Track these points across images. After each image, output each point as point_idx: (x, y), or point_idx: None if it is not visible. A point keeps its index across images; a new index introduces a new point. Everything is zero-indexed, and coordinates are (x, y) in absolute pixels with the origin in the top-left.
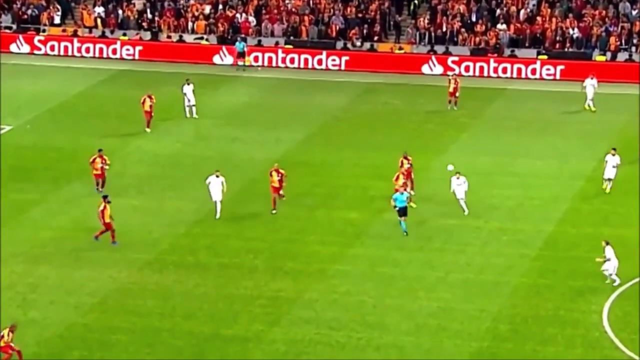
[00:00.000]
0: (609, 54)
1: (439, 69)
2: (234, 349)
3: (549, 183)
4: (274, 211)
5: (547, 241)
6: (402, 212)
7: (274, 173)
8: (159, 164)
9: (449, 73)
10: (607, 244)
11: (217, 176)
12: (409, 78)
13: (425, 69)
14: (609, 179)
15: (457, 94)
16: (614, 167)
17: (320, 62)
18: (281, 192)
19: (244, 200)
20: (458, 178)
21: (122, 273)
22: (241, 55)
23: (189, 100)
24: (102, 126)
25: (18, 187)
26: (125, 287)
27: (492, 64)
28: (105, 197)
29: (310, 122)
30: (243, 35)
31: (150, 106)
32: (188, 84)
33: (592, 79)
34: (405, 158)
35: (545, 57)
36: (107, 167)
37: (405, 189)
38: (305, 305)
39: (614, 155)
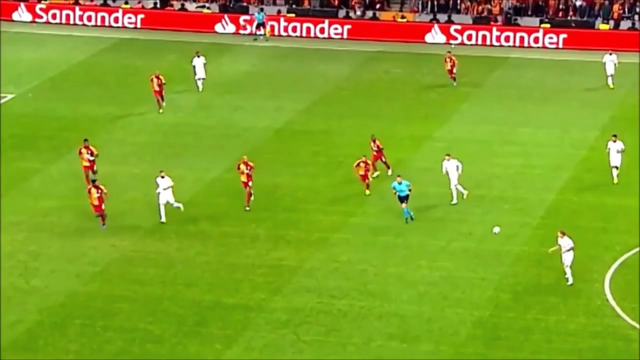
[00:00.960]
0: (612, 22)
1: (441, 38)
2: (236, 317)
3: (550, 152)
4: (247, 208)
5: (548, 210)
6: (403, 199)
7: (242, 166)
8: (161, 132)
9: (451, 42)
10: (563, 234)
11: (162, 177)
12: (411, 47)
13: (428, 37)
14: (615, 167)
15: (454, 71)
16: (618, 152)
17: (322, 30)
18: (250, 187)
19: None
20: (449, 160)
21: (123, 242)
22: (261, 25)
23: (196, 73)
24: (103, 95)
25: (19, 156)
26: (126, 255)
27: (495, 33)
28: (93, 181)
29: (312, 90)
30: (261, 6)
31: (159, 85)
32: (198, 57)
33: (611, 54)
34: (373, 141)
35: (548, 25)
36: (92, 157)
37: (370, 173)
38: (307, 273)
39: (615, 141)
